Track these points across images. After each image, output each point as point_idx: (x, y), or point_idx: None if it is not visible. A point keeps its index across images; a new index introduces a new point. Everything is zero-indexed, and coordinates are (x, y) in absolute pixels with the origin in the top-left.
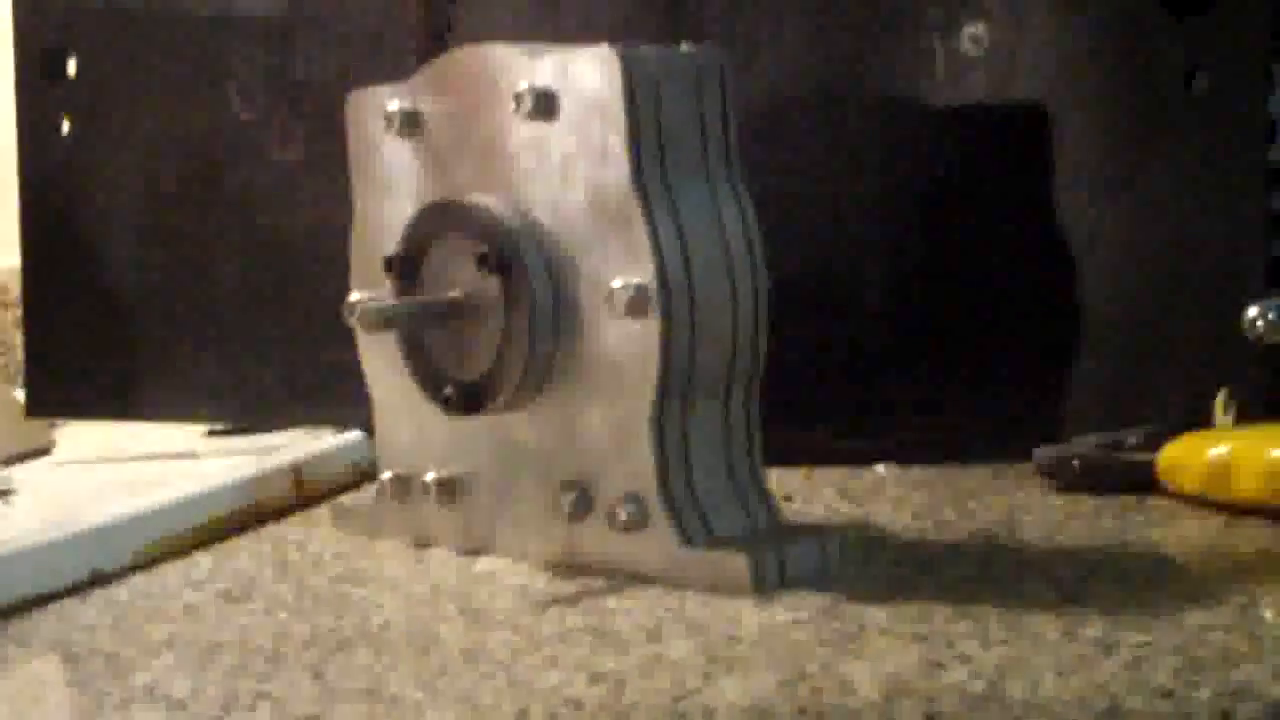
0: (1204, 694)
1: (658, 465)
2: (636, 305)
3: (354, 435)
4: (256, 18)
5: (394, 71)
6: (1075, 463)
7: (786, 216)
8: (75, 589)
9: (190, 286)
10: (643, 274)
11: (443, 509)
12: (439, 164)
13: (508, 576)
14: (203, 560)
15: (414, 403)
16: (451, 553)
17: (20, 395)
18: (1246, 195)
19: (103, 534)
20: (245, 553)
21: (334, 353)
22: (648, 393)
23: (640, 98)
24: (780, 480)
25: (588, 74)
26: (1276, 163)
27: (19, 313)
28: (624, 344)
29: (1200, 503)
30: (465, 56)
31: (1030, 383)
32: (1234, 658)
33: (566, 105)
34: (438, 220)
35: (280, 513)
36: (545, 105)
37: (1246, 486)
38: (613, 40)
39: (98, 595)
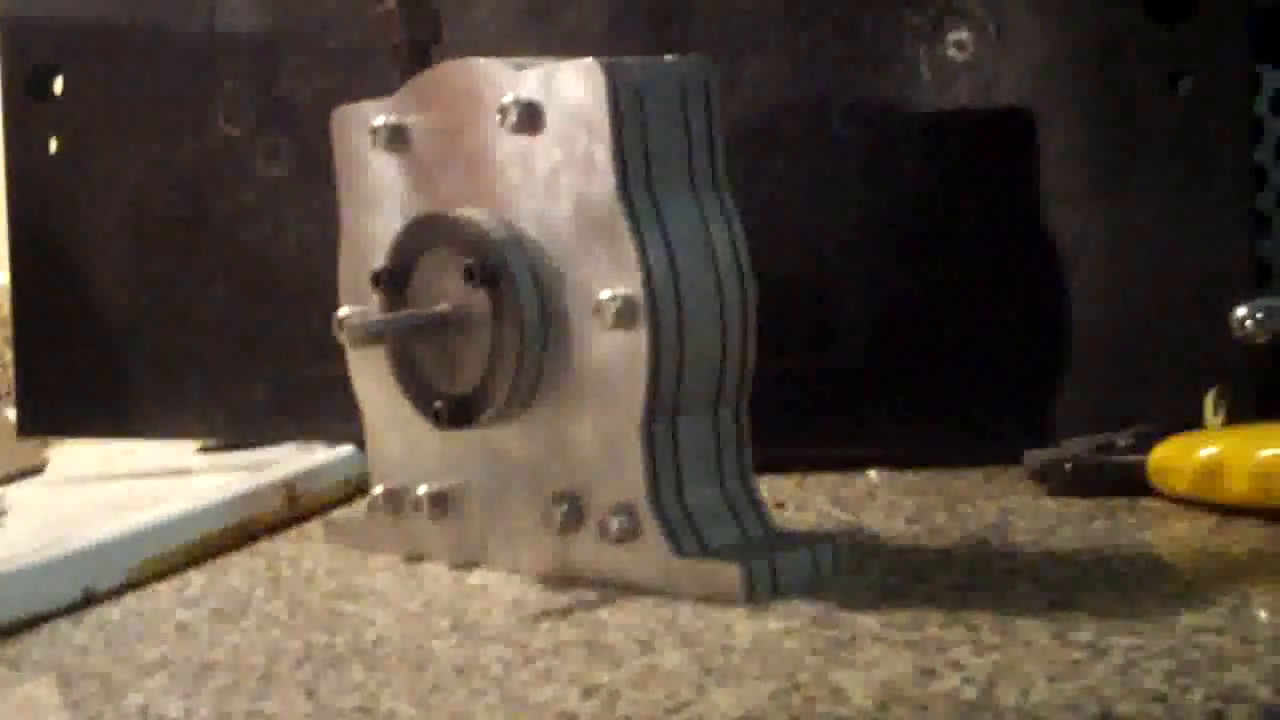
0: (1196, 697)
1: (648, 476)
2: (624, 316)
3: (346, 450)
4: (243, 35)
5: (379, 87)
6: (1066, 466)
7: (774, 222)
8: (68, 609)
9: (179, 303)
10: (630, 285)
11: (434, 523)
12: (425, 178)
13: (500, 590)
14: (195, 578)
15: (404, 417)
16: (444, 567)
17: (11, 415)
18: (1232, 197)
19: (95, 554)
20: (238, 569)
21: (324, 368)
22: (637, 404)
23: (625, 109)
24: (772, 487)
25: (572, 86)
26: (1261, 163)
27: (8, 331)
28: (613, 355)
29: (1191, 504)
30: (450, 70)
31: (1020, 386)
32: (1226, 660)
33: (552, 118)
34: (425, 234)
35: (273, 528)
36: (530, 118)
37: (1237, 487)
38: (598, 52)
39: (90, 615)
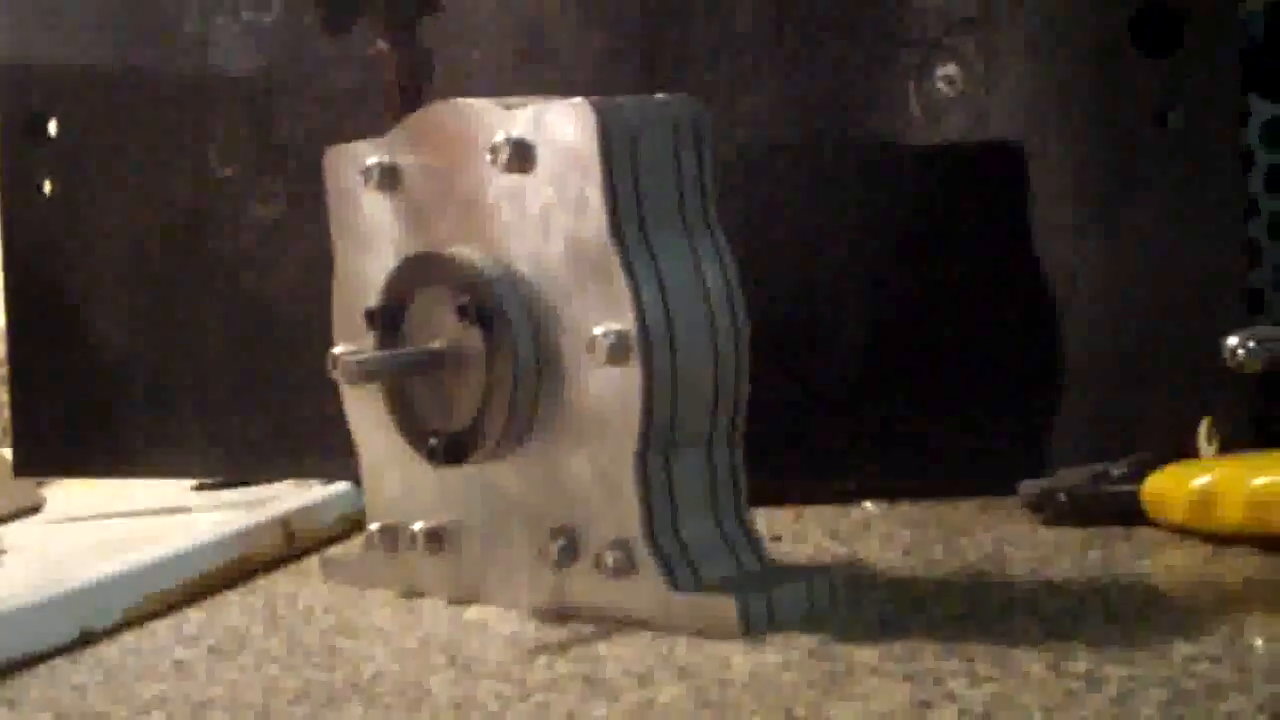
0: None
1: (643, 511)
2: (618, 353)
3: (343, 486)
4: (235, 77)
5: (373, 127)
6: (1061, 496)
7: (767, 258)
8: (65, 649)
9: (175, 342)
10: (623, 321)
11: (431, 559)
12: (418, 217)
13: (497, 625)
14: (193, 616)
15: (400, 454)
16: (441, 602)
17: (8, 454)
18: (1224, 226)
19: (93, 593)
20: (236, 607)
21: (319, 405)
22: (631, 439)
23: (616, 148)
24: (769, 520)
25: (563, 125)
26: (1253, 193)
27: (5, 371)
28: (606, 391)
29: (1186, 533)
30: (442, 110)
31: (1014, 416)
32: (1222, 689)
33: (543, 157)
34: (418, 272)
35: (271, 565)
36: (522, 157)
37: (1231, 516)
38: (591, 91)
39: (88, 654)
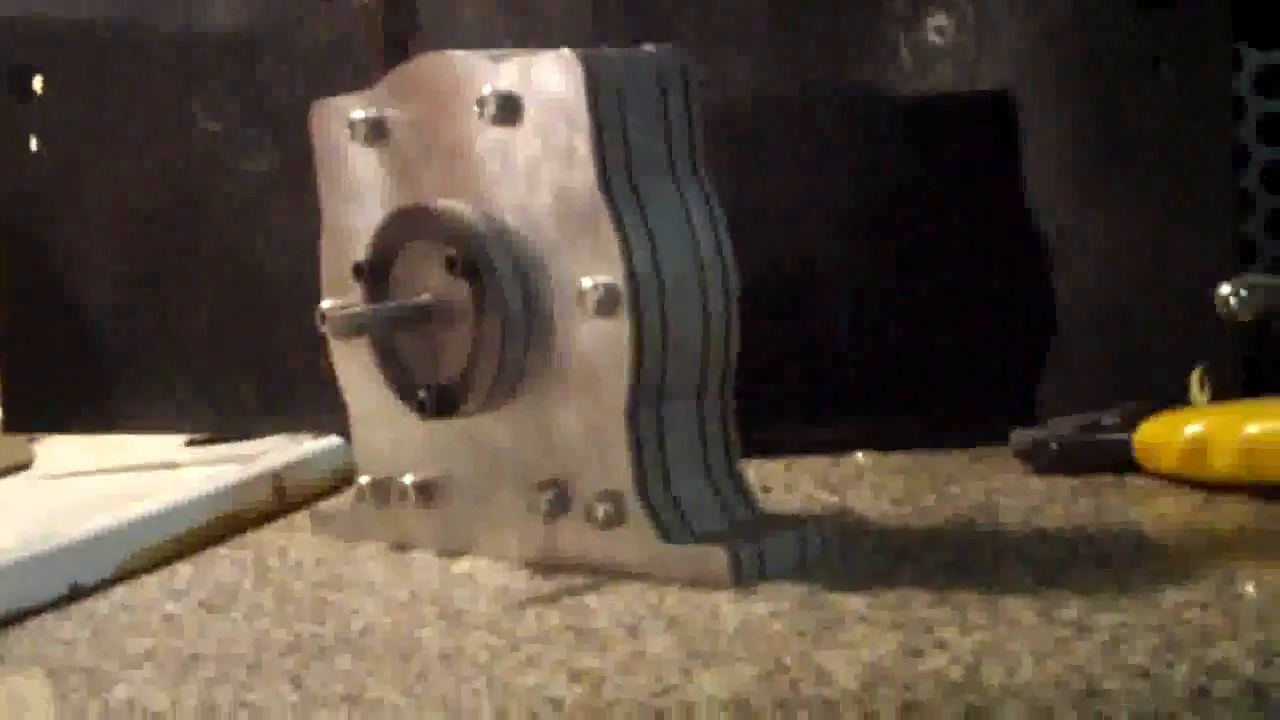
0: (1181, 673)
1: (634, 463)
2: (607, 305)
3: (333, 441)
4: (221, 32)
5: (359, 81)
6: (1052, 445)
7: (757, 209)
8: (55, 604)
9: (163, 298)
10: (612, 273)
11: (421, 512)
12: (405, 171)
13: (487, 577)
14: (183, 570)
15: (389, 407)
16: (431, 555)
17: None
18: (1215, 176)
19: (83, 548)
20: (226, 561)
21: (308, 360)
22: (621, 391)
23: (603, 99)
24: (759, 471)
25: (550, 77)
26: (1243, 141)
27: None
28: (596, 343)
29: (1177, 481)
30: (428, 63)
31: (1006, 366)
32: (1211, 636)
33: (530, 109)
34: (406, 226)
35: (261, 520)
36: (509, 109)
37: (1223, 463)
38: (578, 43)
39: (77, 609)
